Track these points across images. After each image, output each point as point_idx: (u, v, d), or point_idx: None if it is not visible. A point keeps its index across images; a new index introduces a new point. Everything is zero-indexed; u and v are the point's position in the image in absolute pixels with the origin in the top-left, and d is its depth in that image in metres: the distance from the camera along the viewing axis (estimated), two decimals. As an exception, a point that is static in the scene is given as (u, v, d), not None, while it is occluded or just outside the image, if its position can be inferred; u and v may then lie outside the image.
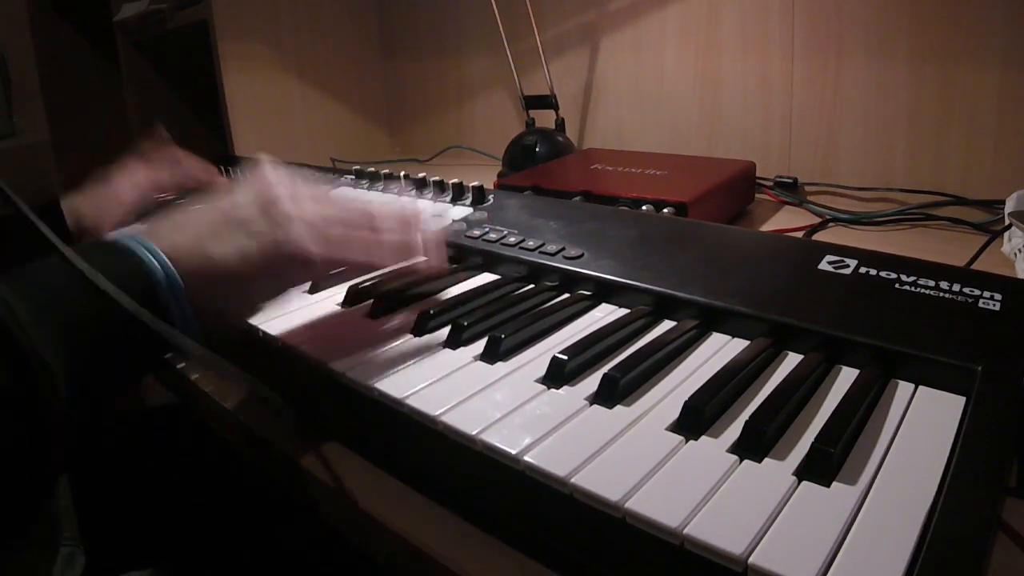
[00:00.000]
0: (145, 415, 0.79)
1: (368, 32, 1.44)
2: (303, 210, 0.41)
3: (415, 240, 0.45)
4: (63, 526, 0.44)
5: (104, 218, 0.72)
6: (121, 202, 0.73)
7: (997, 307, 0.38)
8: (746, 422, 0.32)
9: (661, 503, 0.28)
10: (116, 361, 0.37)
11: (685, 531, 0.27)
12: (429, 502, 0.36)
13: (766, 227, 0.79)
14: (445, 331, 0.45)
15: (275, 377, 0.46)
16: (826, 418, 0.33)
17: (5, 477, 0.30)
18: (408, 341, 0.45)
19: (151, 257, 0.37)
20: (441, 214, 0.65)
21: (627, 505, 0.28)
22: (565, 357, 0.39)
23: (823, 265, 0.44)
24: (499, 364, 0.41)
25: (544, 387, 0.38)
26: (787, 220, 0.81)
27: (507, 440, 0.33)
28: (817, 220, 0.79)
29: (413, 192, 0.72)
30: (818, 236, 0.75)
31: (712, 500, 0.28)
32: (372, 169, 0.79)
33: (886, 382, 0.37)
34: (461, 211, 0.64)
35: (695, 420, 0.33)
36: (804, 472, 0.30)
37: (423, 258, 0.46)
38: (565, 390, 0.38)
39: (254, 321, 0.50)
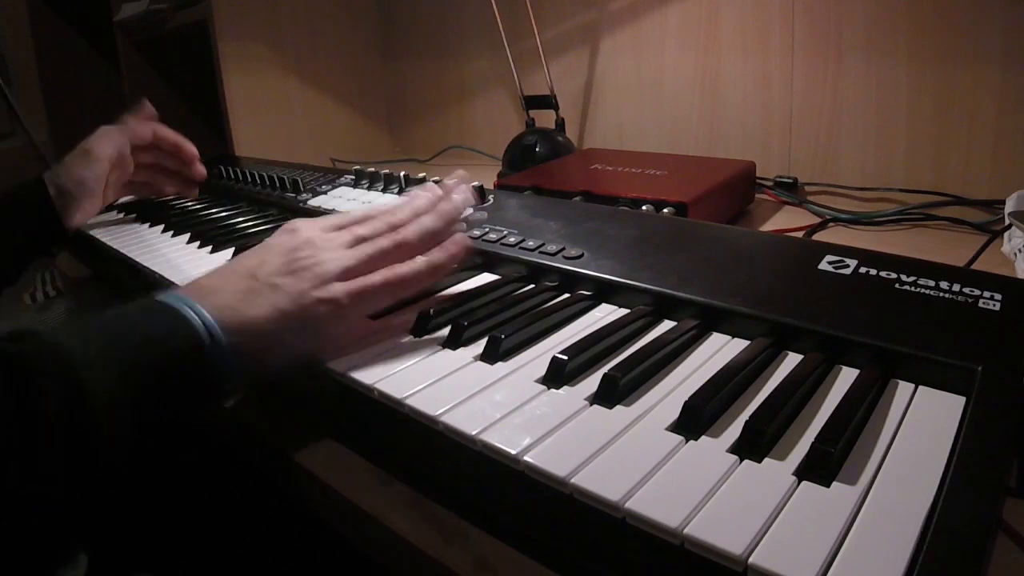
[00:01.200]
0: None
1: (368, 32, 1.44)
2: (325, 253, 0.43)
3: (441, 258, 0.47)
4: (67, 528, 0.44)
5: (84, 178, 0.73)
6: (97, 158, 0.74)
7: (997, 307, 0.38)
8: (746, 422, 0.32)
9: (661, 503, 0.28)
10: (163, 414, 0.38)
11: (685, 531, 0.27)
12: (429, 502, 0.36)
13: (766, 227, 0.79)
14: (445, 331, 0.45)
15: (275, 378, 0.46)
16: (826, 418, 0.33)
17: (44, 507, 0.32)
18: (408, 341, 0.45)
19: (194, 314, 0.39)
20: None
21: (627, 505, 0.28)
22: (565, 357, 0.39)
23: (823, 265, 0.44)
24: (499, 364, 0.41)
25: (544, 387, 0.38)
26: (787, 220, 0.81)
27: (507, 440, 0.33)
28: (817, 220, 0.79)
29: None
30: (818, 236, 0.75)
31: (712, 500, 0.28)
32: (372, 169, 0.79)
33: (886, 382, 0.37)
34: (461, 211, 0.64)
35: (695, 420, 0.33)
36: (804, 472, 0.30)
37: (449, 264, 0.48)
38: (565, 390, 0.38)
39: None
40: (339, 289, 0.42)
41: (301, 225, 0.46)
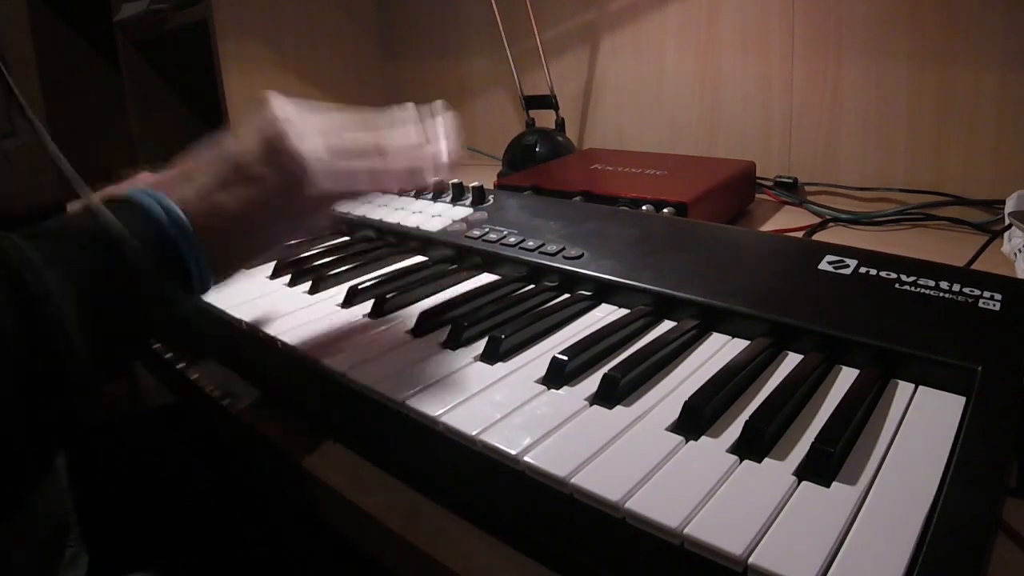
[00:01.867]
0: (145, 415, 0.79)
1: (368, 32, 1.44)
2: (309, 146, 0.40)
3: (425, 164, 0.45)
4: (68, 527, 0.44)
5: None
6: None
7: (997, 307, 0.38)
8: (746, 422, 0.32)
9: (661, 503, 0.28)
10: (128, 318, 0.36)
11: (685, 531, 0.27)
12: (429, 502, 0.36)
13: (766, 227, 0.79)
14: (445, 331, 0.45)
15: (276, 377, 0.46)
16: (826, 418, 0.33)
17: (11, 423, 0.30)
18: (408, 341, 0.45)
19: (160, 209, 0.36)
20: (441, 214, 0.65)
21: (627, 505, 0.28)
22: (565, 357, 0.39)
23: (823, 265, 0.44)
24: (499, 364, 0.41)
25: (544, 387, 0.38)
26: (787, 220, 0.81)
27: (507, 440, 0.33)
28: (817, 220, 0.79)
29: (413, 192, 0.72)
30: (818, 236, 0.75)
31: (712, 500, 0.28)
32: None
33: (886, 382, 0.37)
34: (461, 211, 0.64)
35: (695, 420, 0.33)
36: (804, 472, 0.30)
37: (432, 179, 0.46)
38: (565, 390, 0.38)
39: (255, 322, 0.50)
40: (321, 181, 0.40)
41: (277, 101, 0.42)
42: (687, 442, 0.32)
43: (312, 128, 0.42)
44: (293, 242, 0.43)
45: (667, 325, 0.45)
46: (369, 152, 0.43)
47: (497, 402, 0.37)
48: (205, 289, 0.39)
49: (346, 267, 0.59)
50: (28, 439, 0.31)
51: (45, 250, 0.33)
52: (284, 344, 0.46)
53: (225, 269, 0.40)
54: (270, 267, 0.60)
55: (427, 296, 0.53)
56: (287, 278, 0.58)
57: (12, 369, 0.30)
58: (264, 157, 0.40)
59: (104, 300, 0.34)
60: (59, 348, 0.31)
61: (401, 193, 0.72)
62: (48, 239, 0.34)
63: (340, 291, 0.54)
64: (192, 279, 0.38)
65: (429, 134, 0.47)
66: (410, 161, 0.45)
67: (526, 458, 0.32)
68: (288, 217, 0.41)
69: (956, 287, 0.40)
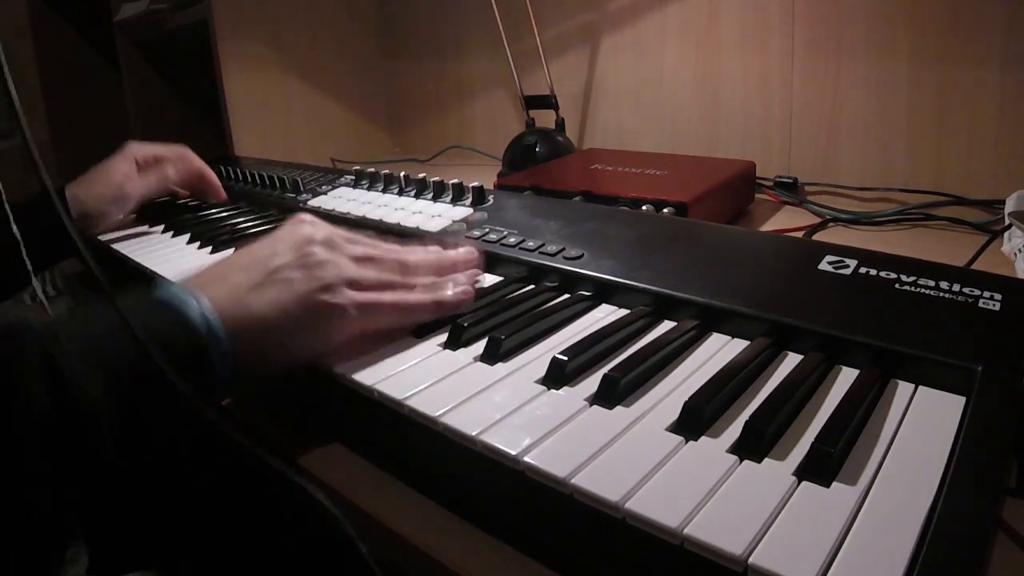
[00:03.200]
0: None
1: (368, 32, 1.44)
2: (337, 257, 0.43)
3: (447, 296, 0.47)
4: (68, 526, 0.44)
5: (110, 212, 0.73)
6: (127, 199, 0.74)
7: (997, 307, 0.38)
8: (746, 422, 0.32)
9: (661, 503, 0.28)
10: (157, 411, 0.37)
11: (685, 531, 0.27)
12: (429, 502, 0.36)
13: (766, 227, 0.79)
14: (445, 331, 0.45)
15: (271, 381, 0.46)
16: (826, 418, 0.33)
17: (38, 508, 0.31)
18: (408, 341, 0.45)
19: (196, 308, 0.38)
20: (441, 214, 0.65)
21: (627, 505, 0.28)
22: (565, 358, 0.39)
23: (823, 265, 0.44)
24: (499, 365, 0.41)
25: (544, 388, 0.38)
26: (787, 220, 0.81)
27: (507, 441, 0.33)
28: (817, 220, 0.79)
29: (413, 192, 0.72)
30: (818, 236, 0.75)
31: (712, 500, 0.28)
32: (372, 169, 0.79)
33: (886, 382, 0.37)
34: (461, 211, 0.64)
35: (695, 420, 0.33)
36: (804, 472, 0.30)
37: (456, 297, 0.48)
38: (565, 391, 0.38)
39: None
40: (348, 296, 0.42)
41: (312, 221, 0.46)
42: (687, 442, 0.32)
43: (339, 238, 0.45)
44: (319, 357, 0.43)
45: (667, 325, 0.45)
46: (393, 270, 0.46)
47: (497, 402, 0.37)
48: (228, 394, 0.40)
49: (346, 267, 0.59)
50: (48, 530, 0.33)
51: (82, 342, 0.34)
52: (284, 344, 0.46)
53: (250, 375, 0.41)
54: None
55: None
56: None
57: (39, 455, 0.31)
58: (293, 262, 0.42)
59: (134, 392, 0.35)
60: (88, 439, 0.33)
61: (401, 189, 0.72)
62: (86, 331, 0.36)
63: (340, 291, 0.54)
64: (218, 382, 0.39)
65: (450, 260, 0.51)
66: (433, 292, 0.47)
67: (526, 458, 0.32)
68: (314, 326, 0.41)
69: (956, 287, 0.40)
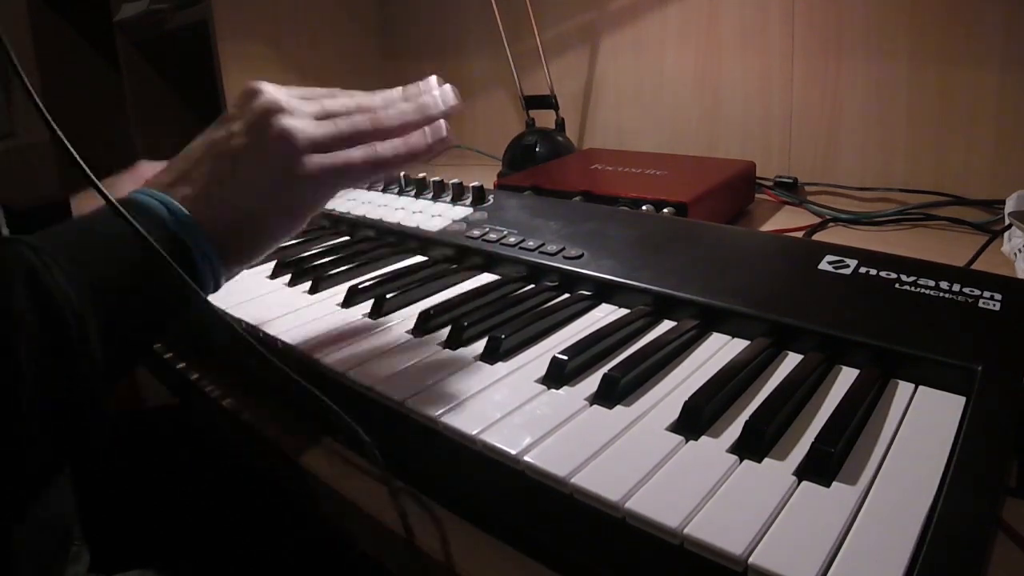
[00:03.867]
0: (145, 415, 0.79)
1: (368, 32, 1.44)
2: (296, 121, 0.40)
3: (420, 143, 0.43)
4: (70, 525, 0.44)
5: None
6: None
7: (997, 307, 0.38)
8: (746, 422, 0.32)
9: (661, 503, 0.28)
10: (144, 319, 0.37)
11: (685, 531, 0.27)
12: (429, 501, 0.36)
13: (766, 227, 0.79)
14: (445, 331, 0.45)
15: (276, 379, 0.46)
16: (826, 418, 0.33)
17: (25, 419, 0.30)
18: (408, 341, 0.45)
19: (165, 210, 0.37)
20: (441, 214, 0.65)
21: (627, 505, 0.28)
22: (565, 357, 0.39)
23: (823, 265, 0.44)
24: (499, 364, 0.41)
25: (544, 387, 0.38)
26: (787, 220, 0.81)
27: (507, 440, 0.33)
28: (817, 220, 0.79)
29: (413, 192, 0.72)
30: (818, 236, 0.75)
31: (712, 500, 0.28)
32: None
33: (886, 382, 0.37)
34: (461, 211, 0.64)
35: (695, 420, 0.33)
36: (804, 472, 0.30)
37: (432, 140, 0.44)
38: (565, 390, 0.38)
39: (255, 322, 0.50)
40: (316, 164, 0.39)
41: (263, 87, 0.42)
42: (687, 442, 0.32)
43: (299, 105, 0.41)
44: (295, 236, 0.42)
45: (667, 325, 0.45)
46: (359, 117, 0.42)
47: (497, 402, 0.37)
48: (217, 286, 0.40)
49: (346, 267, 0.59)
50: (40, 435, 0.32)
51: (62, 253, 0.33)
52: (284, 344, 0.46)
53: (233, 264, 0.40)
54: (270, 267, 0.60)
55: (427, 296, 0.53)
56: (287, 278, 0.58)
57: (29, 368, 0.30)
58: (255, 142, 0.39)
59: (121, 301, 0.35)
60: (75, 349, 0.32)
61: (401, 189, 0.72)
62: (65, 243, 0.34)
63: (340, 291, 0.54)
64: (203, 277, 0.38)
65: (422, 98, 0.45)
66: (402, 117, 0.43)
67: (526, 458, 0.32)
68: (287, 202, 0.40)
69: (956, 287, 0.40)
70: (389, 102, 0.44)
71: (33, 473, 0.33)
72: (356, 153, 0.41)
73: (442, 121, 0.45)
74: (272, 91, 0.41)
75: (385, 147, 0.42)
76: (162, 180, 0.40)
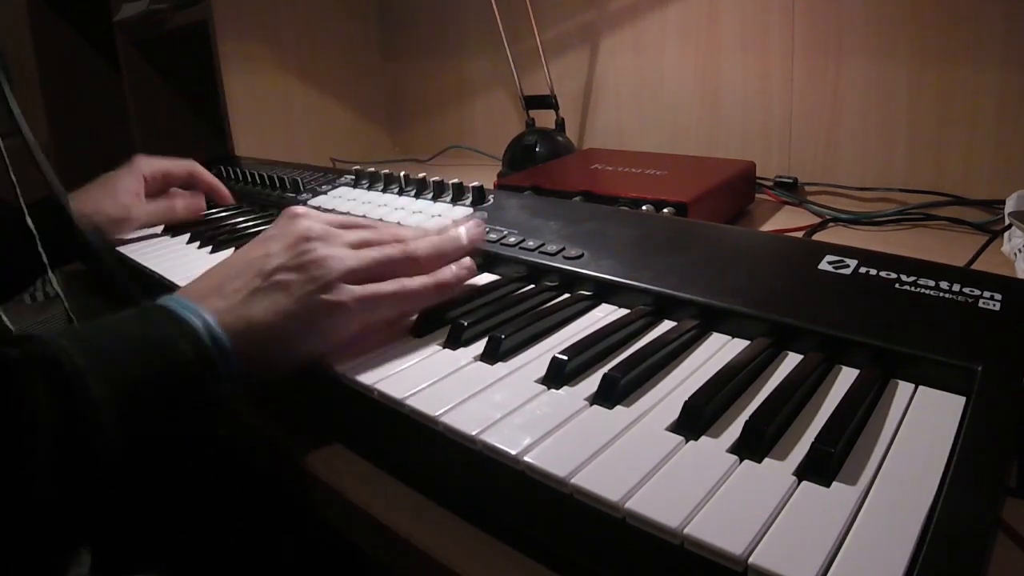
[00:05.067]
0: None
1: (368, 32, 1.44)
2: (334, 250, 0.42)
3: (447, 277, 0.47)
4: (71, 525, 0.44)
5: (108, 217, 0.73)
6: (124, 198, 0.74)
7: (997, 307, 0.38)
8: (746, 422, 0.32)
9: (661, 503, 0.28)
10: (167, 419, 0.37)
11: (685, 531, 0.27)
12: (429, 502, 0.36)
13: (766, 227, 0.79)
14: (445, 331, 0.45)
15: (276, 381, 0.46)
16: (826, 418, 0.33)
17: (44, 516, 0.31)
18: (408, 341, 0.45)
19: (199, 323, 0.38)
20: (441, 214, 0.65)
21: (627, 505, 0.28)
22: (565, 357, 0.39)
23: (823, 265, 0.44)
24: (499, 364, 0.41)
25: (544, 387, 0.38)
26: (787, 220, 0.81)
27: (507, 440, 0.33)
28: (817, 220, 0.79)
29: (413, 192, 0.72)
30: (818, 236, 0.75)
31: (712, 500, 0.28)
32: (372, 169, 0.79)
33: (886, 382, 0.37)
34: (461, 211, 0.64)
35: (695, 420, 0.33)
36: (804, 472, 0.30)
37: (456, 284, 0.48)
38: (565, 390, 0.38)
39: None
40: (347, 293, 0.41)
41: (303, 213, 0.45)
42: (687, 442, 0.32)
43: (336, 233, 0.44)
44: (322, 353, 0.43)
45: (667, 325, 0.45)
46: (390, 249, 0.45)
47: (497, 402, 0.37)
48: (235, 396, 0.41)
49: (346, 267, 0.59)
50: (53, 536, 0.33)
51: (91, 354, 0.34)
52: (284, 344, 0.46)
53: (254, 380, 0.41)
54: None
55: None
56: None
57: (46, 457, 0.31)
58: (289, 263, 0.41)
59: (143, 404, 0.35)
60: (93, 444, 0.33)
61: (401, 189, 0.72)
62: (92, 339, 0.35)
63: (340, 291, 0.54)
64: (223, 388, 0.39)
65: (451, 232, 0.50)
66: (432, 247, 0.47)
67: (526, 458, 0.32)
68: (316, 327, 0.41)
69: (956, 287, 0.40)
70: (420, 234, 0.48)
71: (50, 556, 0.34)
72: (387, 287, 0.43)
73: (468, 258, 0.49)
74: (312, 217, 0.44)
75: (413, 283, 0.45)
76: (196, 289, 0.41)
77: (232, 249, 0.66)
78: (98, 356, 0.34)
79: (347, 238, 0.44)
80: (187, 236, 0.73)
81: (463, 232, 0.50)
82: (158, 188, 0.78)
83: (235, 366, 0.38)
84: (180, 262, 0.66)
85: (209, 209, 0.84)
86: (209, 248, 0.69)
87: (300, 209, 0.45)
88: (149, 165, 0.77)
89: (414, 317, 0.46)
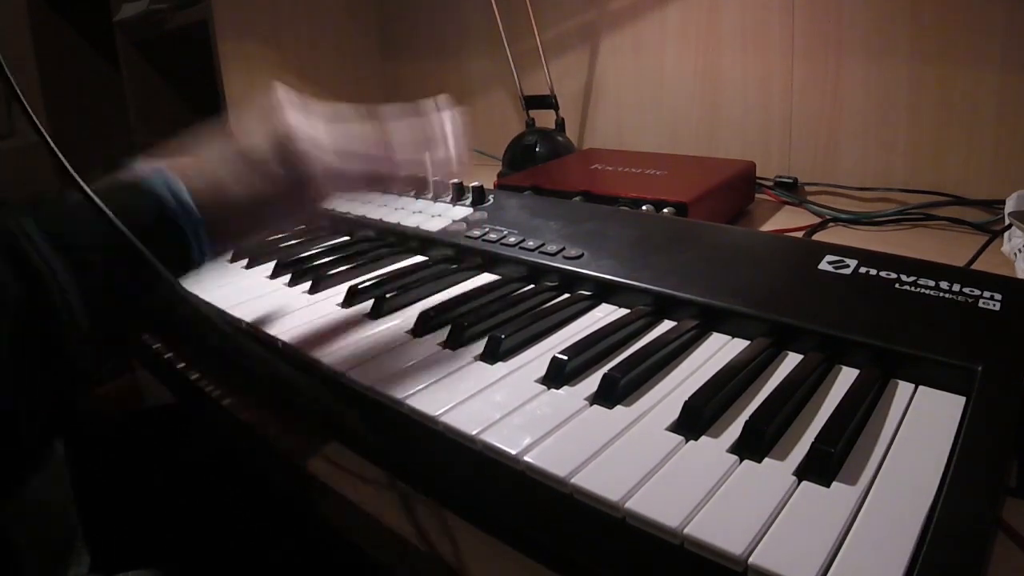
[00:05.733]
0: (145, 415, 0.79)
1: (368, 32, 1.44)
2: (317, 149, 0.42)
3: (430, 167, 0.46)
4: (70, 525, 0.44)
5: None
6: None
7: (997, 307, 0.38)
8: (746, 422, 0.32)
9: (661, 503, 0.28)
10: (128, 296, 0.38)
11: (685, 531, 0.27)
12: (429, 501, 0.36)
13: (766, 227, 0.79)
14: (445, 331, 0.45)
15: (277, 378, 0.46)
16: (826, 418, 0.33)
17: (10, 392, 0.31)
18: (408, 341, 0.45)
19: (169, 193, 0.38)
20: (441, 214, 0.65)
21: (627, 505, 0.28)
22: (565, 357, 0.39)
23: (823, 265, 0.44)
24: (499, 364, 0.41)
25: (544, 387, 0.38)
26: (787, 220, 0.81)
27: (507, 440, 0.33)
28: (817, 220, 0.79)
29: (413, 192, 0.72)
30: (818, 236, 0.75)
31: (712, 500, 0.28)
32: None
33: (886, 382, 0.37)
34: (461, 211, 0.64)
35: (695, 420, 0.33)
36: (804, 472, 0.30)
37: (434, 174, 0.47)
38: (565, 390, 0.38)
39: (255, 322, 0.50)
40: (323, 174, 0.42)
41: (286, 98, 0.45)
42: (687, 442, 0.32)
43: (320, 130, 0.43)
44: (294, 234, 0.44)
45: (667, 325, 0.45)
46: (375, 153, 0.44)
47: (497, 402, 0.37)
48: (202, 263, 0.41)
49: (346, 267, 0.59)
50: (27, 411, 0.32)
51: (49, 226, 0.34)
52: (284, 344, 0.46)
53: (223, 246, 0.42)
54: (270, 267, 0.60)
55: (427, 296, 0.53)
56: (287, 278, 0.58)
57: (14, 342, 0.31)
58: (275, 157, 0.41)
59: (106, 276, 0.35)
60: (61, 320, 0.32)
61: (400, 193, 0.72)
62: (53, 216, 0.35)
63: (340, 291, 0.54)
64: (191, 252, 0.39)
65: (435, 133, 0.48)
66: (415, 165, 0.46)
67: (526, 458, 0.32)
68: (291, 210, 0.43)
69: (956, 287, 0.40)
70: (400, 119, 0.47)
71: (25, 448, 0.33)
72: (366, 177, 0.44)
73: (451, 151, 0.48)
74: (291, 100, 0.44)
75: (393, 175, 0.45)
76: (177, 166, 0.41)
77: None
78: (60, 228, 0.34)
79: (326, 125, 0.44)
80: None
81: (449, 155, 0.49)
82: None
83: (200, 232, 0.39)
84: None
85: None
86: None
87: (282, 97, 0.45)
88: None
89: (415, 318, 0.46)
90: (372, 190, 0.44)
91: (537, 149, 1.00)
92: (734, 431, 0.33)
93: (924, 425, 0.33)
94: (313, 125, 0.43)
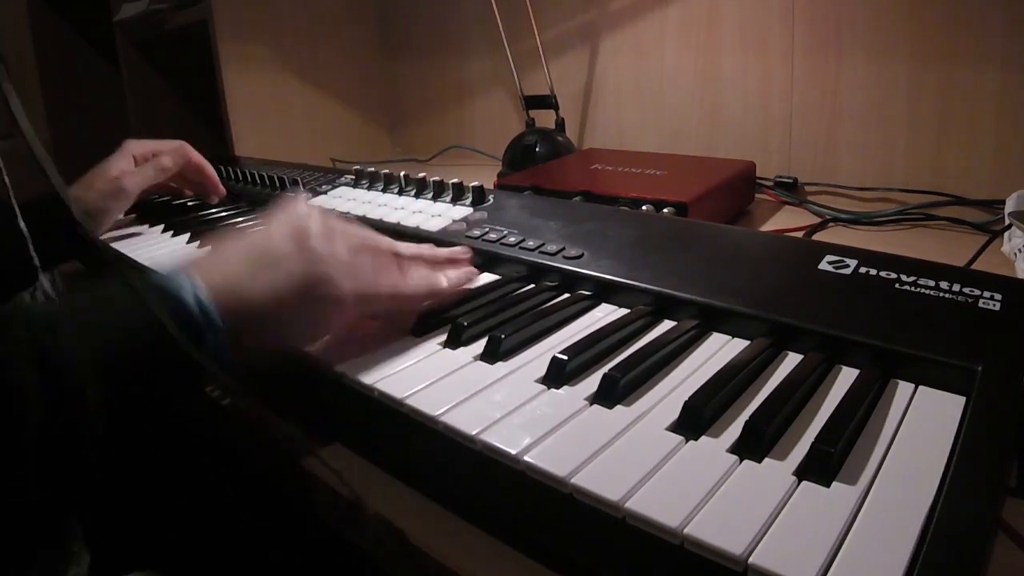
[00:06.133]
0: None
1: (368, 32, 1.44)
2: (334, 247, 0.42)
3: (441, 283, 0.47)
4: (70, 526, 0.44)
5: (111, 209, 0.73)
6: (128, 195, 0.74)
7: (997, 307, 0.38)
8: (746, 422, 0.32)
9: (661, 503, 0.28)
10: (151, 392, 0.38)
11: (685, 531, 0.27)
12: (430, 502, 0.36)
13: (766, 227, 0.79)
14: (445, 331, 0.45)
15: (276, 378, 0.46)
16: (826, 418, 0.33)
17: (24, 484, 0.31)
18: (408, 341, 0.45)
19: (192, 298, 0.38)
20: (441, 214, 0.65)
21: (627, 505, 0.28)
22: (565, 357, 0.39)
23: (823, 265, 0.44)
24: (499, 364, 0.41)
25: (544, 387, 0.38)
26: (787, 220, 0.81)
27: (507, 440, 0.33)
28: (817, 220, 0.79)
29: (413, 192, 0.72)
30: (818, 236, 0.75)
31: (712, 500, 0.28)
32: (372, 169, 0.79)
33: (886, 382, 0.37)
34: (461, 211, 0.64)
35: (695, 420, 0.33)
36: (804, 472, 0.30)
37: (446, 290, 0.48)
38: (565, 390, 0.38)
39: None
40: (344, 285, 0.42)
41: (308, 209, 0.45)
42: (687, 442, 0.32)
43: (337, 231, 0.44)
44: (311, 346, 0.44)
45: (667, 325, 0.45)
46: (386, 256, 0.46)
47: (497, 402, 0.37)
48: (219, 378, 0.41)
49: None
50: (39, 501, 0.33)
51: (73, 322, 0.34)
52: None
53: (243, 360, 0.41)
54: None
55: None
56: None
57: (31, 437, 0.31)
58: (292, 251, 0.41)
59: (127, 373, 0.36)
60: (77, 418, 0.33)
61: (401, 189, 0.72)
62: (78, 311, 0.36)
63: (340, 291, 0.54)
64: (209, 362, 0.39)
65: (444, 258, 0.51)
66: (428, 278, 0.47)
67: (526, 458, 0.32)
68: (309, 315, 0.42)
69: (956, 287, 0.40)
70: (414, 250, 0.49)
71: (29, 529, 0.35)
72: (383, 287, 0.44)
73: (463, 275, 0.49)
74: (313, 213, 0.44)
75: (406, 286, 0.45)
76: (194, 262, 0.41)
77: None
78: (81, 326, 0.35)
79: (347, 241, 0.45)
80: (188, 235, 0.73)
81: (453, 251, 0.52)
82: (147, 163, 0.79)
83: (223, 340, 0.38)
84: (171, 256, 0.66)
85: (208, 209, 0.84)
86: (209, 248, 0.68)
87: (303, 201, 0.46)
88: (138, 146, 0.78)
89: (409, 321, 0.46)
90: (385, 291, 0.45)
91: (537, 149, 1.00)
92: (734, 431, 0.33)
93: (924, 425, 0.33)
94: (329, 225, 0.44)
